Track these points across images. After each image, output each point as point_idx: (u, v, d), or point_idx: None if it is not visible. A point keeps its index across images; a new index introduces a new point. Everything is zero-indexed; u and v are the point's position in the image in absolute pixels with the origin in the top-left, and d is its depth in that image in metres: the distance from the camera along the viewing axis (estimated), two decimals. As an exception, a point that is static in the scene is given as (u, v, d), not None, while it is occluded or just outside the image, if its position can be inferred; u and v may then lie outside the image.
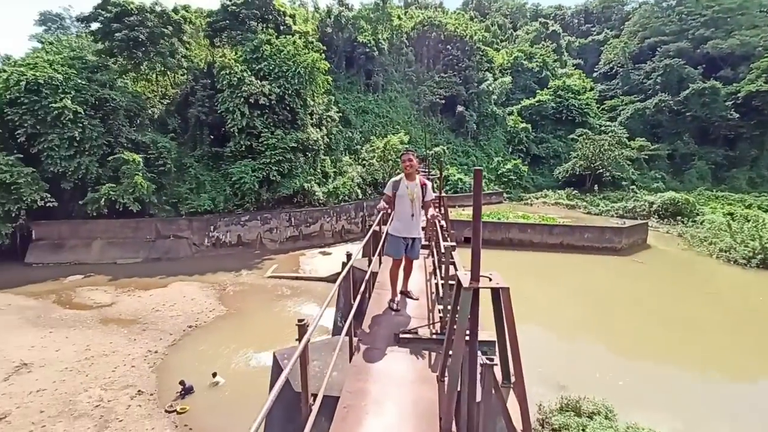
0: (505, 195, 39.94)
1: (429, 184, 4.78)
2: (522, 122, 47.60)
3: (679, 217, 28.30)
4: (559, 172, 42.85)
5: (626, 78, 55.47)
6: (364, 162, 31.20)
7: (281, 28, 28.47)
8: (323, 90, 29.08)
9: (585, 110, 48.53)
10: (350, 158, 31.46)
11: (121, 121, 21.20)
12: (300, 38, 27.61)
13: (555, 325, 13.93)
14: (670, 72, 48.48)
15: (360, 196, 28.20)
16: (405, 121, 41.09)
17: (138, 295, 15.49)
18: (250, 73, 23.36)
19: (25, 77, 18.34)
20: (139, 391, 9.48)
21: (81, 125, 19.18)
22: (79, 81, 19.95)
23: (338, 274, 15.37)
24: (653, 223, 27.77)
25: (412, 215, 4.63)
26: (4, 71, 19.73)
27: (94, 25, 24.33)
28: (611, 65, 58.85)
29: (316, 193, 25.16)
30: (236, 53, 25.03)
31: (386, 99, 40.96)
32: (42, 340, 11.72)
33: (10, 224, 18.46)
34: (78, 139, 19.11)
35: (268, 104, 23.21)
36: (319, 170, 26.88)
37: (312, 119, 27.42)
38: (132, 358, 10.89)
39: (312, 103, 27.34)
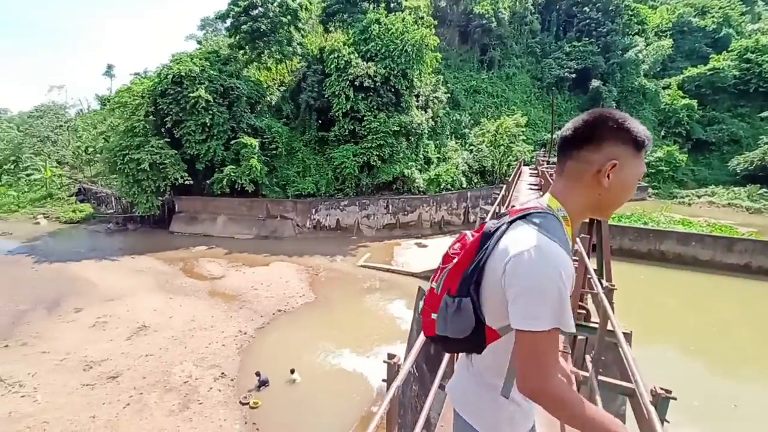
0: (650, 190, 32.20)
1: None
2: (683, 98, 37.40)
3: None
4: (738, 164, 32.42)
5: None
6: (471, 147, 28.41)
7: (392, 5, 27.25)
8: (431, 69, 27.12)
9: (789, 78, 35.44)
10: (456, 143, 29.00)
11: (243, 108, 23.07)
12: (410, 14, 25.97)
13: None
14: None
15: (464, 185, 25.75)
16: (523, 101, 36.26)
17: (243, 271, 16.60)
18: (357, 55, 22.88)
19: (171, 71, 21.16)
20: (222, 373, 9.65)
21: (211, 112, 21.40)
22: (212, 72, 22.21)
23: (433, 271, 13.78)
24: None
25: None
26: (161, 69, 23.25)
27: (228, 22, 26.99)
28: (842, 12, 41.58)
29: (417, 180, 23.74)
30: (346, 36, 24.84)
31: (502, 76, 36.65)
32: (163, 305, 13.22)
33: (160, 198, 21.98)
34: (208, 124, 21.41)
35: (372, 86, 22.45)
36: (421, 155, 25.33)
37: (417, 101, 25.86)
38: (224, 336, 11.34)
39: (418, 83, 25.73)
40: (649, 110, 38.56)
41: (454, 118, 30.80)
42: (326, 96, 23.08)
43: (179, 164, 21.60)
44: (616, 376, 3.42)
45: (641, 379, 2.25)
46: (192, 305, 13.30)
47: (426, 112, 26.14)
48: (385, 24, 23.50)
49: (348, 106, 22.38)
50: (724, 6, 43.97)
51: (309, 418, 8.44)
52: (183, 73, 20.94)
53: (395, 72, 22.83)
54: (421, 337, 2.73)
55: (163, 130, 22.21)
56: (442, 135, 28.49)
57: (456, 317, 1.17)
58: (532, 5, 39.18)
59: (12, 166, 32.44)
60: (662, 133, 37.16)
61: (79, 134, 33.82)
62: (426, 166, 25.58)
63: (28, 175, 30.82)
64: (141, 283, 15.10)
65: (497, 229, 1.16)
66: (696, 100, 36.84)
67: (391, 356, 2.13)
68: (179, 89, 21.01)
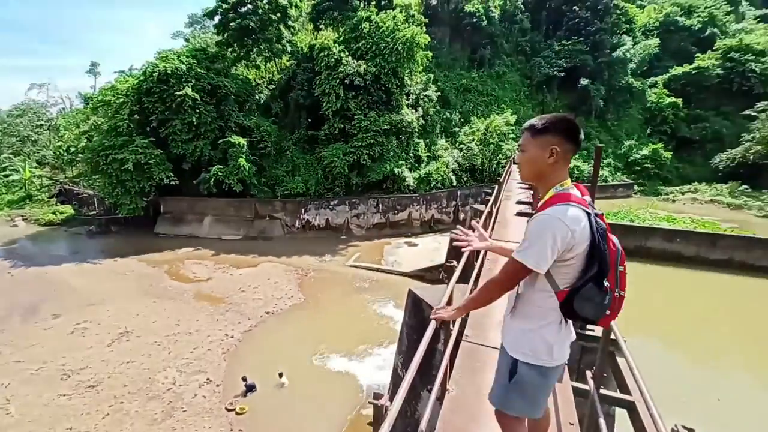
0: (636, 188, 32.63)
1: None
2: (669, 96, 37.93)
3: None
4: (721, 161, 32.95)
5: None
6: (461, 146, 28.38)
7: (382, 3, 27.04)
8: (422, 67, 27.00)
9: (771, 77, 36.10)
10: (446, 141, 28.95)
11: (231, 107, 22.64)
12: (400, 12, 25.78)
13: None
14: None
15: (454, 183, 25.73)
16: (512, 99, 36.31)
17: (230, 273, 16.28)
18: (347, 53, 22.63)
19: (157, 69, 20.63)
20: (207, 379, 9.39)
21: (198, 111, 20.91)
22: (199, 70, 21.70)
23: (423, 270, 13.35)
24: None
25: None
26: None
27: (216, 19, 26.44)
28: (822, 13, 42.53)
29: (407, 179, 23.60)
30: (337, 34, 24.56)
31: (492, 75, 36.67)
32: (146, 309, 12.85)
33: (145, 199, 21.46)
34: (195, 123, 20.92)
35: (363, 85, 22.23)
36: (411, 154, 25.21)
37: (408, 99, 25.71)
38: (210, 340, 11.05)
39: (409, 82, 25.59)
40: (636, 108, 39.01)
41: (445, 116, 30.70)
42: (316, 94, 22.78)
43: (164, 164, 21.09)
44: (611, 385, 3.29)
45: (647, 392, 2.11)
46: (176, 309, 12.96)
47: (416, 110, 26.01)
48: (375, 22, 23.27)
49: (338, 105, 22.11)
50: (709, 6, 44.62)
51: (297, 423, 8.25)
52: (169, 71, 20.43)
53: (386, 70, 22.64)
54: (416, 361, 2.38)
55: (148, 129, 21.63)
56: (432, 133, 28.39)
57: None
58: (522, 4, 39.29)
59: (-10, 167, 31.45)
60: (648, 131, 37.64)
61: (60, 134, 32.90)
62: (416, 165, 25.47)
63: (6, 176, 29.85)
64: (123, 287, 14.68)
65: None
66: (681, 99, 37.35)
67: (377, 396, 1.88)
68: (165, 87, 20.49)
